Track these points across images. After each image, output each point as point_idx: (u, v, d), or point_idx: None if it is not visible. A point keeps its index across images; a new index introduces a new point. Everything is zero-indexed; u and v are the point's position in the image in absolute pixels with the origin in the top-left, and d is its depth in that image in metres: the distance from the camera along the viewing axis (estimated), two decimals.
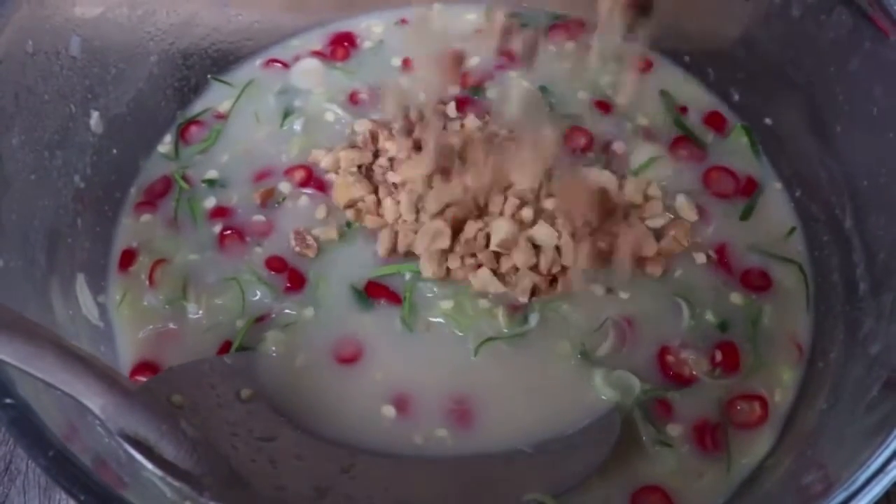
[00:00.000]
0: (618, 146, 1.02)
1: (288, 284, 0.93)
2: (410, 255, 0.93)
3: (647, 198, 0.97)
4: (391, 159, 0.99)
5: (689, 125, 1.05)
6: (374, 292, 0.92)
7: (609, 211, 0.94)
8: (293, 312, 0.92)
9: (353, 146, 1.01)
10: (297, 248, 0.95)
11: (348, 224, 0.97)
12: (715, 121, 1.05)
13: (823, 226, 0.94)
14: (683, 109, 1.06)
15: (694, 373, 0.88)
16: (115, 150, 0.98)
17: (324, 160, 1.01)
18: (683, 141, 1.03)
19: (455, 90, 1.07)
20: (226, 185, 1.01)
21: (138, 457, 0.69)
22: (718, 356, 0.88)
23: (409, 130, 1.00)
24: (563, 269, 0.91)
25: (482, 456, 0.83)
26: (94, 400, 0.68)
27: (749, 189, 1.00)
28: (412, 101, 1.02)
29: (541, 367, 0.88)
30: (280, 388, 0.87)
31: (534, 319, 0.90)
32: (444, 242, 0.91)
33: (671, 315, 0.91)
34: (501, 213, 0.92)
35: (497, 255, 0.91)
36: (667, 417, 0.85)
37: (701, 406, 0.86)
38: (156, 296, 0.93)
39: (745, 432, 0.85)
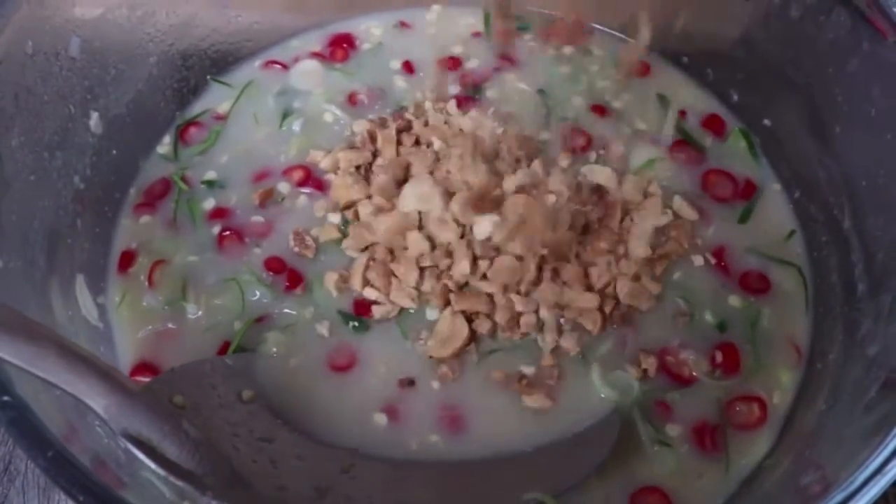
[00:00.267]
0: (616, 147, 1.02)
1: (287, 284, 0.93)
2: None
3: (647, 195, 0.97)
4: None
5: (687, 129, 1.05)
6: (361, 311, 0.92)
7: (581, 230, 0.93)
8: (293, 312, 0.92)
9: (351, 147, 1.01)
10: (297, 249, 0.95)
11: (347, 224, 0.96)
12: (713, 124, 1.06)
13: (822, 227, 0.94)
14: (682, 113, 1.06)
15: (694, 374, 0.88)
16: (114, 151, 0.98)
17: (323, 161, 1.01)
18: (682, 144, 1.03)
19: (455, 89, 1.07)
20: (225, 186, 1.01)
21: (141, 456, 0.69)
22: (719, 357, 0.88)
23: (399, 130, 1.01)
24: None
25: (482, 457, 0.84)
26: (97, 400, 0.68)
27: (748, 192, 1.00)
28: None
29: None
30: (280, 390, 0.87)
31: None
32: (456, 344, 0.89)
33: (670, 316, 0.91)
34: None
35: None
36: (666, 418, 0.85)
37: (700, 407, 0.86)
38: (155, 297, 0.93)
39: (744, 433, 0.85)
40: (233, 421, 0.80)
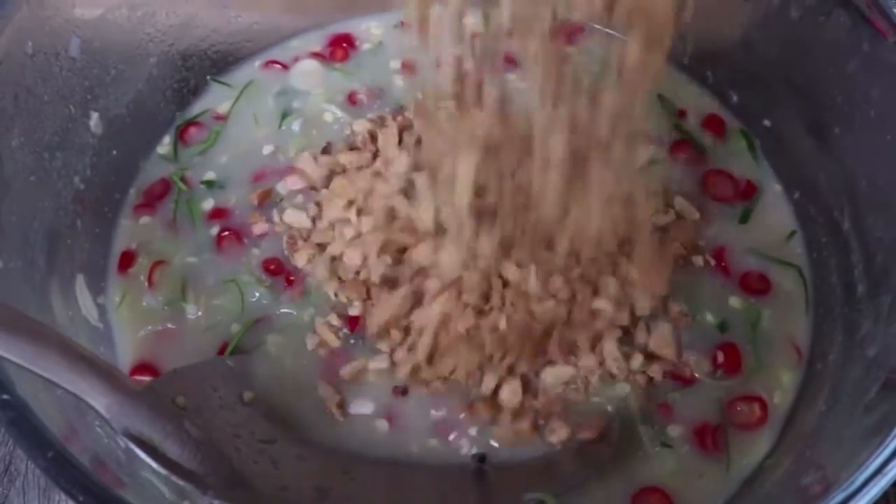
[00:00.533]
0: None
1: (286, 285, 0.93)
2: None
3: (648, 195, 0.97)
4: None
5: (687, 129, 1.05)
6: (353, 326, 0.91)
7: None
8: (293, 313, 0.92)
9: (351, 147, 1.01)
10: (288, 253, 0.95)
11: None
12: (714, 124, 1.05)
13: (822, 228, 0.94)
14: (682, 113, 1.06)
15: (695, 374, 0.88)
16: (114, 152, 0.98)
17: (323, 161, 1.00)
18: (682, 144, 1.03)
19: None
20: (224, 187, 1.01)
21: (143, 456, 0.69)
22: (720, 357, 0.88)
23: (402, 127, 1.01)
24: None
25: None
26: (99, 399, 0.68)
27: (748, 192, 1.00)
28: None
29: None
30: (279, 391, 0.87)
31: None
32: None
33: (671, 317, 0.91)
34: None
35: None
36: (667, 418, 0.85)
37: (701, 407, 0.86)
38: (155, 297, 0.93)
39: (745, 433, 0.85)
40: (234, 422, 0.80)
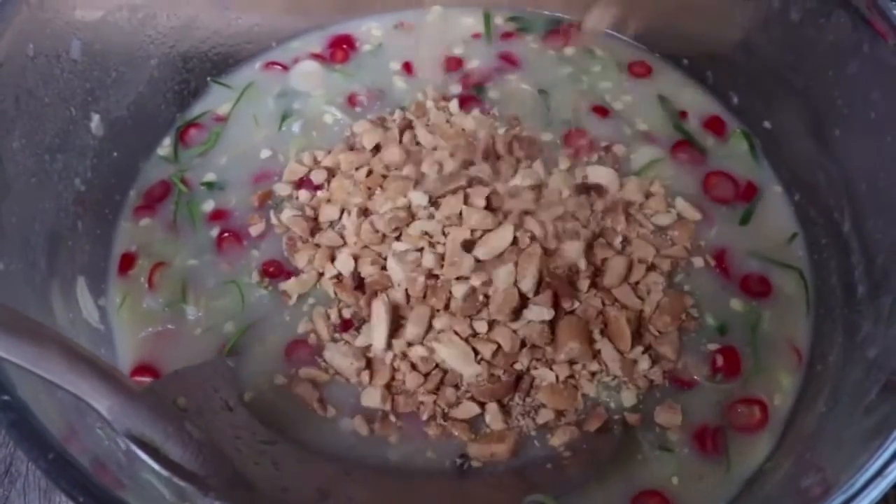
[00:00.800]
0: (618, 148, 1.02)
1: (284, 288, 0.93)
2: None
3: (648, 195, 0.97)
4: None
5: (688, 129, 1.05)
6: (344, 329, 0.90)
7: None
8: (291, 313, 0.92)
9: (351, 148, 1.01)
10: (287, 255, 0.95)
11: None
12: (714, 125, 1.06)
13: (822, 229, 0.94)
14: (683, 114, 1.06)
15: (695, 377, 0.88)
16: (115, 153, 0.98)
17: (323, 162, 1.00)
18: (683, 145, 1.03)
19: (457, 89, 1.07)
20: (224, 188, 1.01)
21: (145, 457, 0.69)
22: (720, 360, 0.88)
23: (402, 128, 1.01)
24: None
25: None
26: (101, 401, 0.68)
27: (749, 194, 1.00)
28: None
29: None
30: (278, 393, 0.87)
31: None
32: None
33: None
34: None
35: None
36: (667, 421, 0.85)
37: (701, 410, 0.86)
38: (155, 298, 0.93)
39: (745, 436, 0.85)
40: (235, 423, 0.80)
